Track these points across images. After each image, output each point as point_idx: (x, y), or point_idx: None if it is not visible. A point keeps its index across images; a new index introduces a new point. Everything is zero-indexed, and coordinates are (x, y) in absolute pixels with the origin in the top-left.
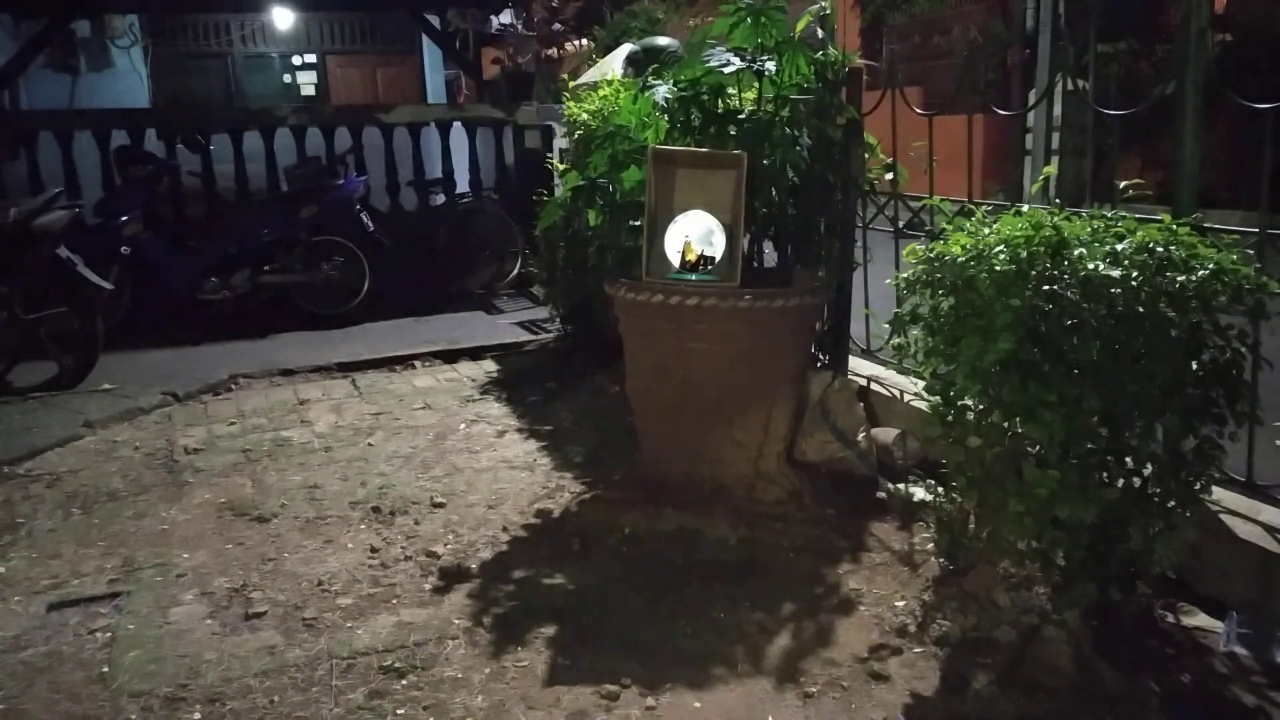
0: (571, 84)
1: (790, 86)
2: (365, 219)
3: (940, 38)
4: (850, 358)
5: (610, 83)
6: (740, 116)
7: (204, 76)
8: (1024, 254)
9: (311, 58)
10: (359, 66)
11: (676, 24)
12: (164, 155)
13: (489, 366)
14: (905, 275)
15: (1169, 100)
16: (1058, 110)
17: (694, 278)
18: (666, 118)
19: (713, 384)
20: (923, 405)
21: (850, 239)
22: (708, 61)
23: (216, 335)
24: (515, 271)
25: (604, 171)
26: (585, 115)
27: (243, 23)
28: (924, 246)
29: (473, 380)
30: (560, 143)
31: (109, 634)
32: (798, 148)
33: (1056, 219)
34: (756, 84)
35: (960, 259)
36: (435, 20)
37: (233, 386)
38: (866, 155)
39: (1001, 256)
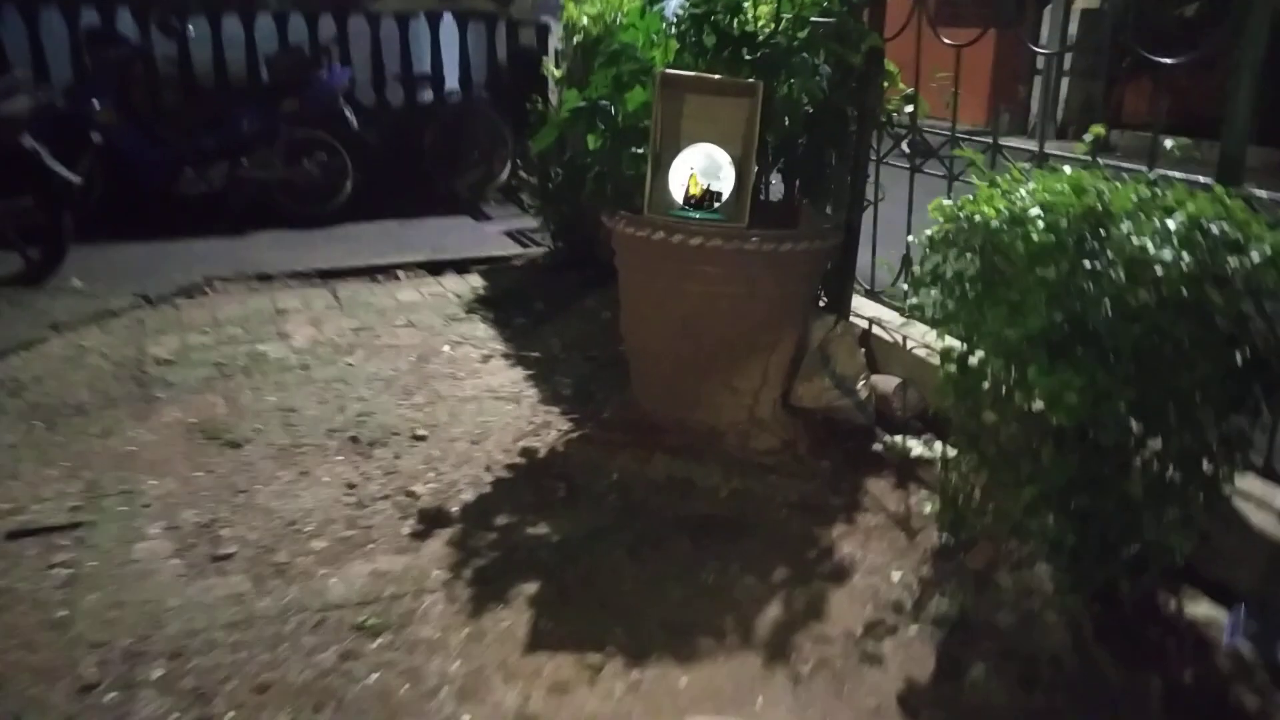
0: None
1: (811, 6)
2: (349, 114)
3: None
4: (854, 296)
5: None
6: (758, 40)
7: None
8: (1064, 223)
9: None
10: None
11: None
12: (138, 38)
13: (475, 282)
14: (929, 232)
15: (1185, 20)
16: (1073, 29)
17: (699, 215)
18: (676, 36)
19: (712, 328)
20: (925, 354)
21: (863, 174)
22: None
23: (192, 231)
24: (505, 175)
25: (606, 93)
26: (586, 21)
27: None
28: (951, 203)
29: (458, 296)
30: (556, 42)
31: (69, 570)
32: (817, 77)
33: (1099, 183)
34: (774, 2)
35: (993, 223)
36: None
37: (207, 290)
38: (885, 84)
39: (1039, 224)
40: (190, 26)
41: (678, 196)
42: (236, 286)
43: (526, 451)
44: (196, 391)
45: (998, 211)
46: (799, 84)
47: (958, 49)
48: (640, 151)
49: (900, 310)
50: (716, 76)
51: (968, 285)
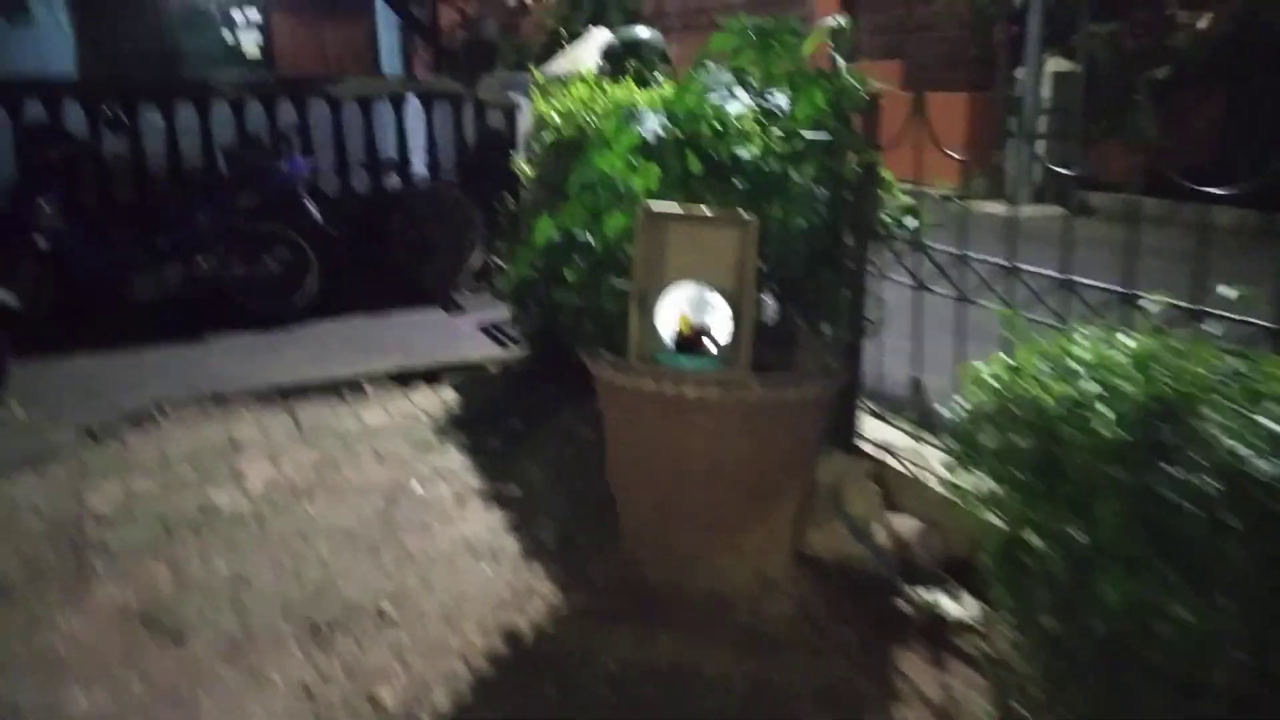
0: (539, 74)
1: (804, 122)
2: (311, 207)
3: (923, 8)
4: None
5: (584, 81)
6: (746, 161)
7: (137, 34)
8: (1132, 412)
9: (255, 14)
10: (306, 26)
11: None
12: (86, 129)
13: (447, 395)
14: (966, 404)
15: (1156, 82)
16: (1045, 92)
17: (692, 365)
18: (658, 161)
19: (712, 483)
20: (944, 489)
21: (863, 292)
22: (705, 88)
23: (147, 337)
24: (477, 263)
25: (582, 224)
26: (557, 120)
27: None
28: (992, 372)
29: (429, 416)
30: (525, 121)
31: None
32: (815, 201)
33: (1169, 351)
34: (762, 121)
35: (1048, 406)
36: None
37: (157, 416)
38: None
39: (1105, 413)
40: (121, 114)
41: (666, 338)
42: (190, 411)
43: (509, 634)
44: (138, 558)
45: (1052, 392)
46: (794, 209)
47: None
48: (622, 285)
49: (913, 435)
50: (706, 213)
51: (1016, 471)
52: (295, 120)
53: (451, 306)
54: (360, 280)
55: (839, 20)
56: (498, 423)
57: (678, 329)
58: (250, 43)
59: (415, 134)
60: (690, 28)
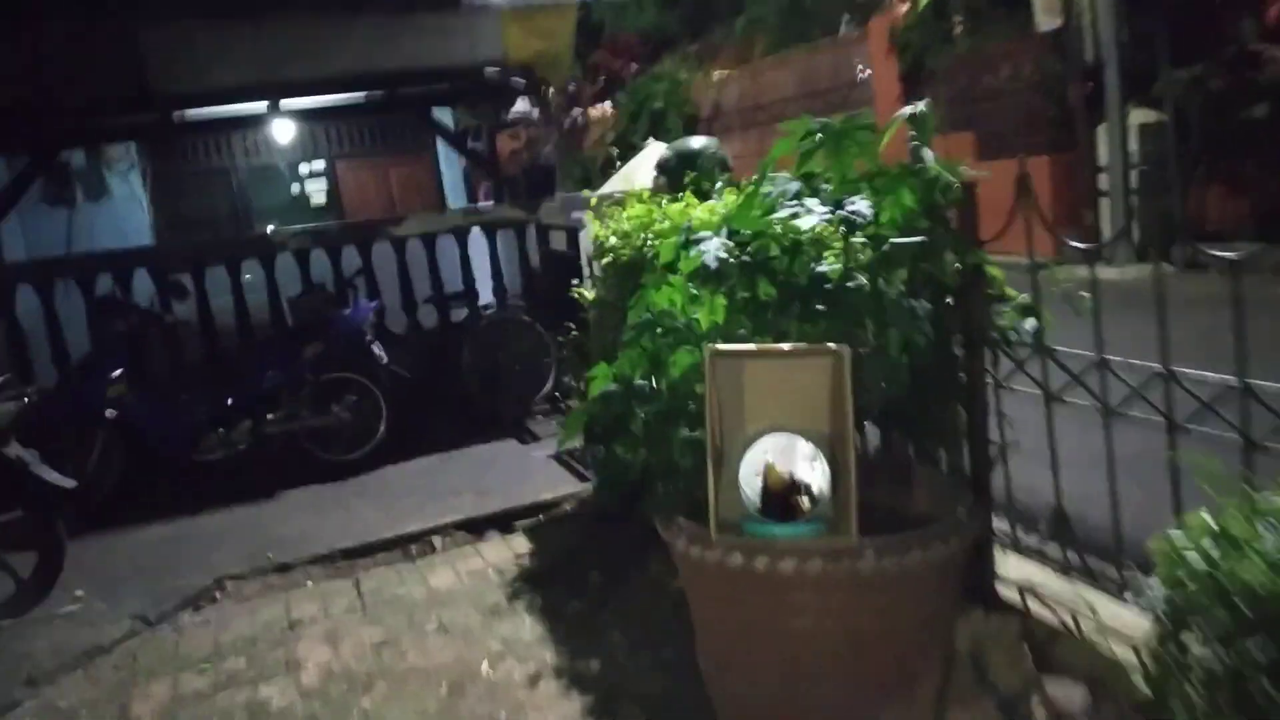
0: (593, 198)
1: (890, 226)
2: (378, 349)
3: (989, 76)
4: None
5: (640, 198)
6: (827, 279)
7: (208, 194)
8: None
9: (320, 164)
10: (371, 169)
11: (701, 81)
12: (155, 298)
13: (520, 545)
14: (1162, 603)
15: (1254, 122)
16: (1132, 145)
17: (786, 532)
18: (724, 291)
19: (825, 672)
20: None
21: (984, 412)
22: (771, 200)
23: (218, 498)
24: (549, 385)
25: (642, 370)
26: (614, 239)
27: (247, 135)
28: (1193, 545)
29: (500, 574)
30: (587, 241)
31: None
32: (914, 315)
33: None
34: (842, 231)
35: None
36: (447, 116)
37: (217, 595)
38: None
39: None
40: (185, 282)
41: (753, 499)
42: (251, 586)
43: None
44: None
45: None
46: (896, 334)
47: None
48: (695, 435)
49: (1062, 569)
50: (783, 347)
51: (1237, 677)
52: (359, 264)
53: (526, 436)
54: (434, 417)
55: (919, 107)
56: (574, 576)
57: (766, 487)
58: (317, 191)
59: (480, 264)
60: (750, 125)
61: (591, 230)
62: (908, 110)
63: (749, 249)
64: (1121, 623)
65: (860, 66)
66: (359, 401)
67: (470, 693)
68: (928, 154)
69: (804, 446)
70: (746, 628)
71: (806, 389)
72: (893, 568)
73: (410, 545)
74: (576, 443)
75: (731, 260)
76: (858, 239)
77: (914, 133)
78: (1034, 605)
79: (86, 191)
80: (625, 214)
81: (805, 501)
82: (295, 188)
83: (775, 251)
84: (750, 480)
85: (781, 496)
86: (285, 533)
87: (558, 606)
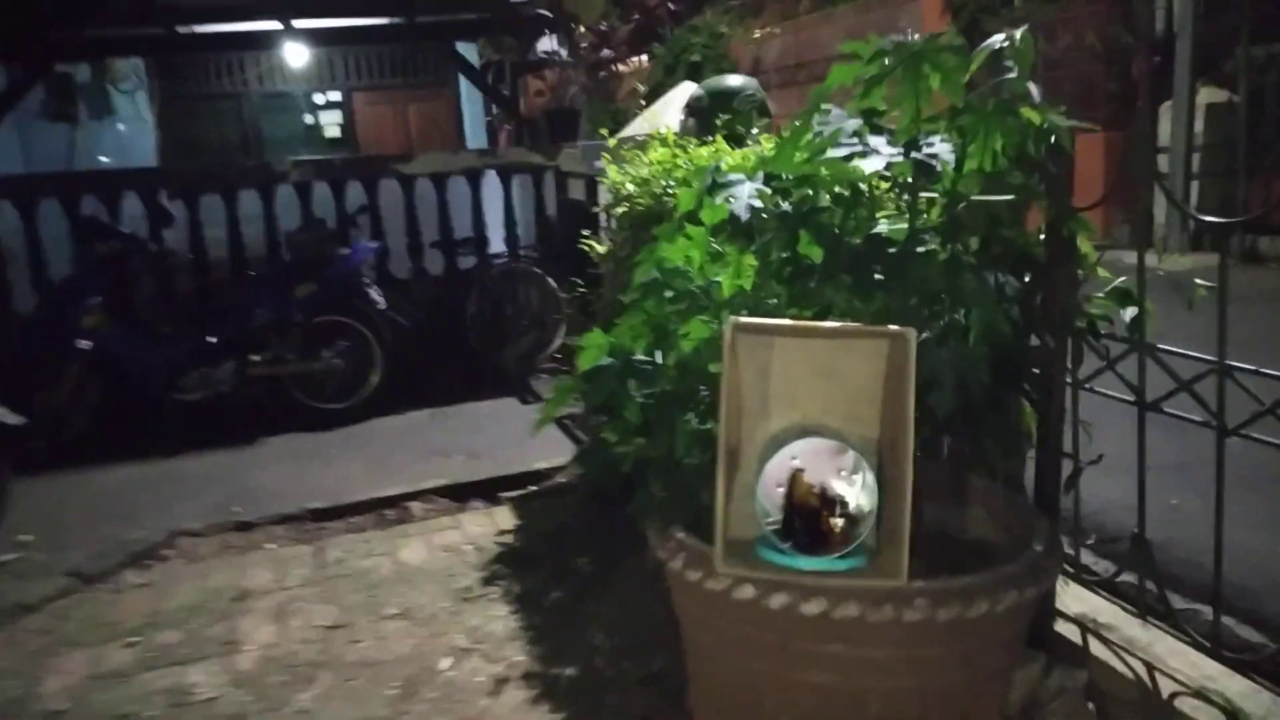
0: (612, 140)
1: (969, 178)
2: (375, 295)
3: (1048, 44)
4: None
5: (665, 141)
6: (890, 247)
7: (217, 120)
8: None
9: (336, 95)
10: (389, 103)
11: (742, 37)
12: (143, 223)
13: (504, 520)
14: None
15: None
16: (1198, 126)
17: (814, 565)
18: (755, 250)
19: None
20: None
21: (1060, 416)
22: (824, 140)
23: (194, 442)
24: (558, 342)
25: (644, 342)
26: (631, 186)
27: (259, 60)
28: None
29: (478, 552)
30: (605, 190)
31: None
32: (1005, 299)
33: None
34: (906, 183)
35: None
36: (472, 51)
37: (167, 553)
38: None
39: None
40: (168, 206)
41: (772, 511)
42: (207, 544)
43: None
44: None
45: None
46: (977, 316)
47: None
48: (705, 427)
49: (1135, 609)
50: (827, 325)
51: None
52: (364, 202)
53: (528, 396)
54: (432, 369)
55: (1015, 34)
56: (560, 560)
57: (790, 501)
58: (332, 124)
59: (493, 211)
60: (791, 83)
61: (607, 182)
62: (999, 37)
63: (790, 198)
64: (1207, 677)
65: (909, 29)
66: (352, 348)
67: (424, 695)
68: (1033, 89)
69: (844, 454)
70: (754, 677)
71: (854, 380)
72: (950, 619)
73: (386, 510)
74: (575, 408)
75: (767, 211)
76: (930, 192)
77: (1010, 63)
78: (1099, 649)
79: (90, 109)
80: (646, 158)
81: (840, 524)
82: (309, 119)
83: (824, 201)
84: (771, 491)
85: (810, 515)
86: (258, 484)
87: (537, 596)
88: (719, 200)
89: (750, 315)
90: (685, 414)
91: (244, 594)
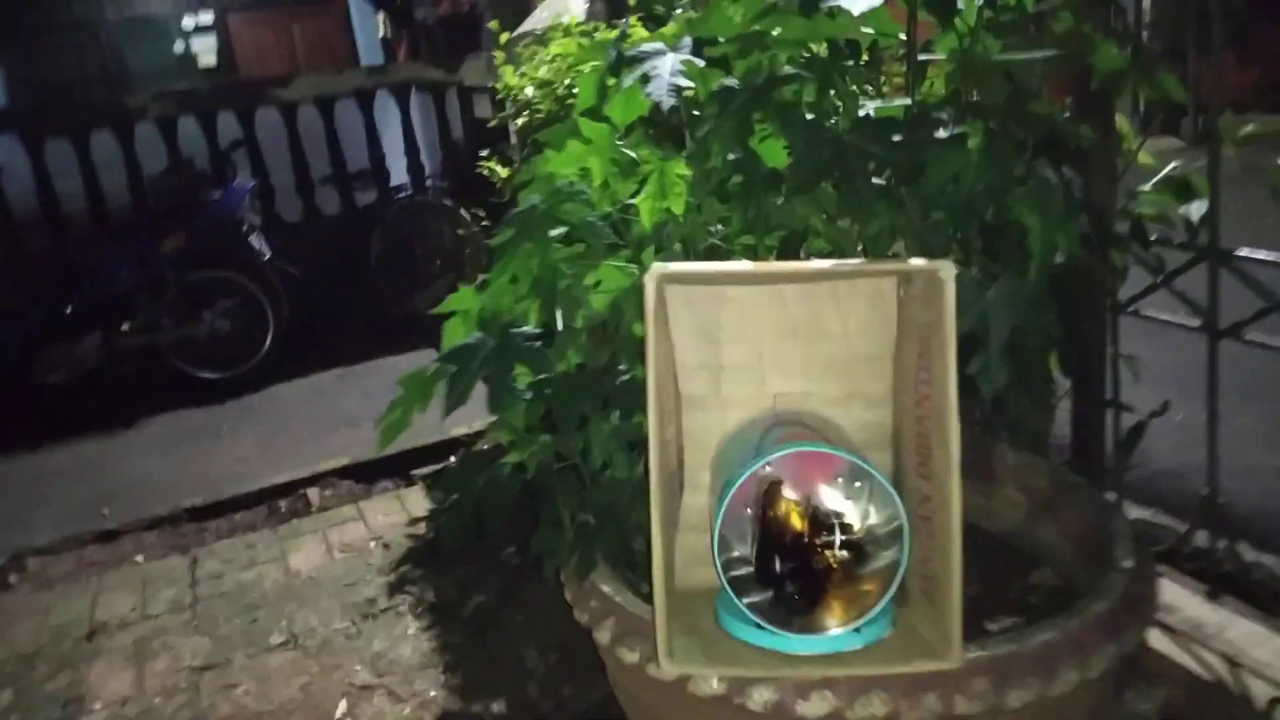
0: (504, 36)
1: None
2: (258, 242)
3: None
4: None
5: (569, 30)
6: (894, 132)
7: (70, 54)
8: None
9: (208, 17)
10: (269, 23)
11: None
12: None
13: (416, 505)
14: None
15: None
16: (1145, 3)
17: (809, 646)
18: (686, 155)
19: None
20: None
21: (1101, 353)
22: None
23: (65, 431)
24: (477, 280)
25: (526, 300)
26: (531, 91)
27: None
28: None
29: (385, 549)
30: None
31: None
32: (1073, 205)
33: None
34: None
35: None
36: None
37: (12, 579)
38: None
39: None
40: None
41: (738, 545)
42: (60, 564)
43: None
44: None
45: None
46: (1039, 232)
47: None
48: (633, 422)
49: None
50: (816, 264)
51: None
52: (239, 137)
53: None
54: (335, 323)
55: None
56: (483, 555)
57: (766, 533)
58: (206, 51)
59: (390, 136)
60: None
61: (501, 87)
62: None
63: (734, 71)
64: None
65: None
66: (238, 306)
67: None
68: None
69: (843, 456)
70: None
71: (849, 344)
72: (1026, 704)
73: (279, 500)
74: None
75: (706, 86)
76: (928, 54)
77: None
78: (1161, 642)
79: None
80: (547, 53)
81: (844, 557)
82: (179, 47)
83: (786, 70)
84: (736, 516)
85: (796, 548)
86: (132, 477)
87: (455, 603)
88: (629, 82)
89: (685, 255)
90: (600, 409)
91: (98, 629)
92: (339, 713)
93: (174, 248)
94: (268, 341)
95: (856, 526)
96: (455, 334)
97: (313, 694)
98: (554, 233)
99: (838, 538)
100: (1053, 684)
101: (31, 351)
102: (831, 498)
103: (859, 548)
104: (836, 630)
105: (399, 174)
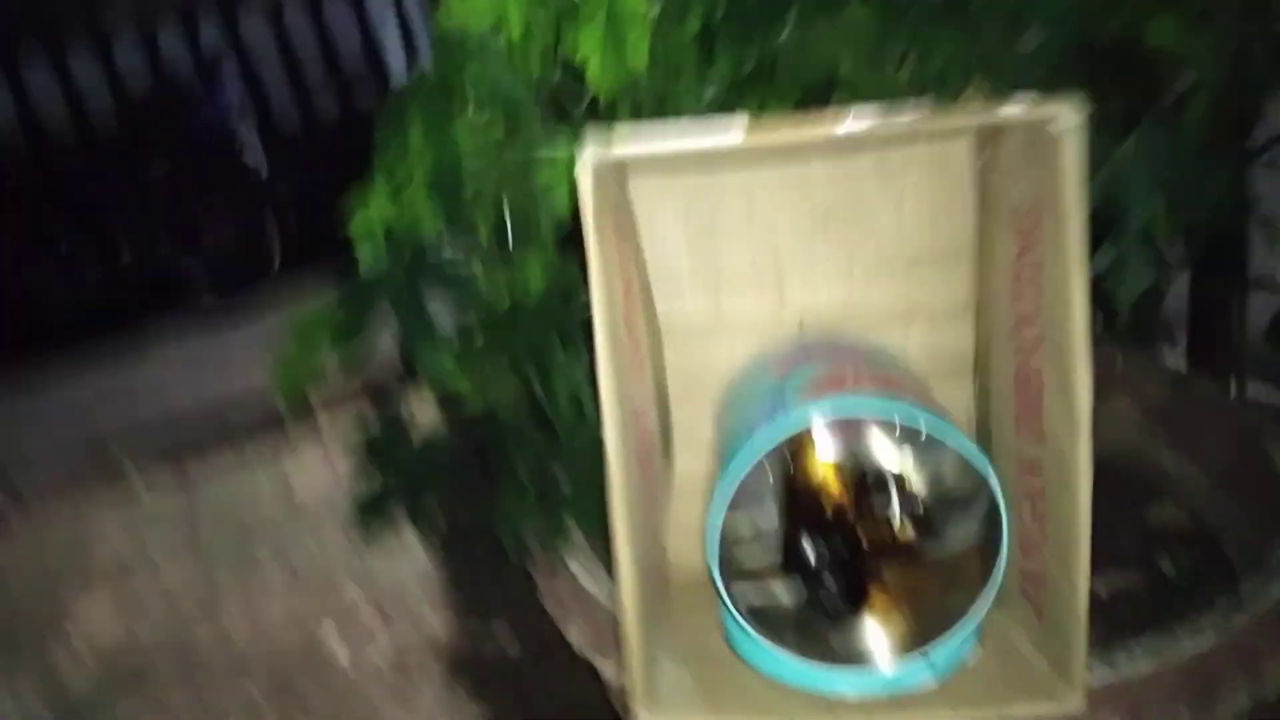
0: None
1: None
2: (252, 159)
3: None
4: None
5: None
6: None
7: None
8: None
9: None
10: None
11: None
12: None
13: (431, 410)
14: None
15: None
16: None
17: (858, 687)
18: None
19: None
20: None
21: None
22: None
23: (71, 354)
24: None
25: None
26: None
27: None
28: None
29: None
30: None
31: None
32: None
33: None
34: None
35: None
36: None
37: (5, 506)
38: None
39: None
40: None
41: (747, 532)
42: (54, 483)
43: None
44: None
45: None
46: (1207, 49)
47: None
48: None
49: None
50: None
51: None
52: (224, 40)
53: None
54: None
55: None
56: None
57: (794, 501)
58: None
59: (386, 26)
60: None
61: None
62: None
63: None
64: None
65: None
66: (239, 227)
67: (299, 687)
68: None
69: (902, 402)
70: None
71: (913, 236)
72: None
73: (282, 421)
74: None
75: None
76: None
77: None
78: None
79: None
80: None
81: (900, 549)
82: None
83: None
84: (751, 482)
85: (838, 527)
86: (142, 411)
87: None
88: None
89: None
90: (549, 341)
91: (87, 559)
92: (328, 639)
93: (160, 175)
94: (275, 258)
95: (922, 493)
96: (364, 258)
97: (304, 623)
98: (463, 99)
99: (895, 508)
100: (1211, 713)
101: (26, 292)
102: (885, 450)
103: (926, 523)
104: (897, 657)
105: (399, 66)
